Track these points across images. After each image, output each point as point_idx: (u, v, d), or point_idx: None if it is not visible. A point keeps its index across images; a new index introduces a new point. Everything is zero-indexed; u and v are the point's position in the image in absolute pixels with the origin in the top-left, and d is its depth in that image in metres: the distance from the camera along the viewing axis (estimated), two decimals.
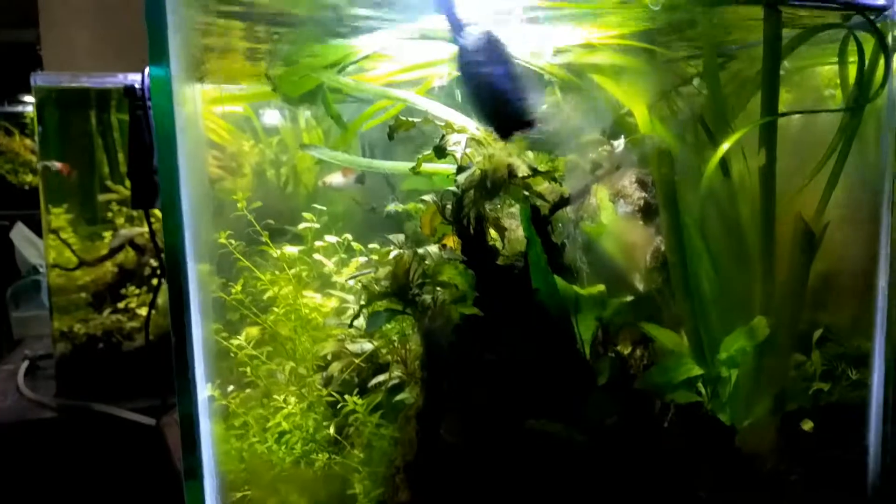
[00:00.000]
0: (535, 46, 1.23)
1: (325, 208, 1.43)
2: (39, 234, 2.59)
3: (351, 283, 1.31)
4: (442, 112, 1.16)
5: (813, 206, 1.21)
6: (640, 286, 1.18)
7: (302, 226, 1.38)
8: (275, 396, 1.18)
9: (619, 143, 1.13)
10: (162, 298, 2.08)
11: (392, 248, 1.14)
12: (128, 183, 2.14)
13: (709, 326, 1.20)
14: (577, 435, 1.06)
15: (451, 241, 1.14)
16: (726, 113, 1.21)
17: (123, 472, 1.96)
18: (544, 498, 1.05)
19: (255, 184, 1.80)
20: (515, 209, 1.13)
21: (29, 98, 2.61)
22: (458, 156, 1.09)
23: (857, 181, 1.25)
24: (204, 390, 1.01)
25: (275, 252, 1.28)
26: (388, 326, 1.19)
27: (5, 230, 3.11)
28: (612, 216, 1.19)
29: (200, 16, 1.09)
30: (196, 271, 0.99)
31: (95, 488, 1.99)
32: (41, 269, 2.89)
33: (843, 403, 1.27)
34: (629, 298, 1.14)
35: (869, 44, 1.18)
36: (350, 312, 1.28)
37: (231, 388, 1.18)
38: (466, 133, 1.10)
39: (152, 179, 1.76)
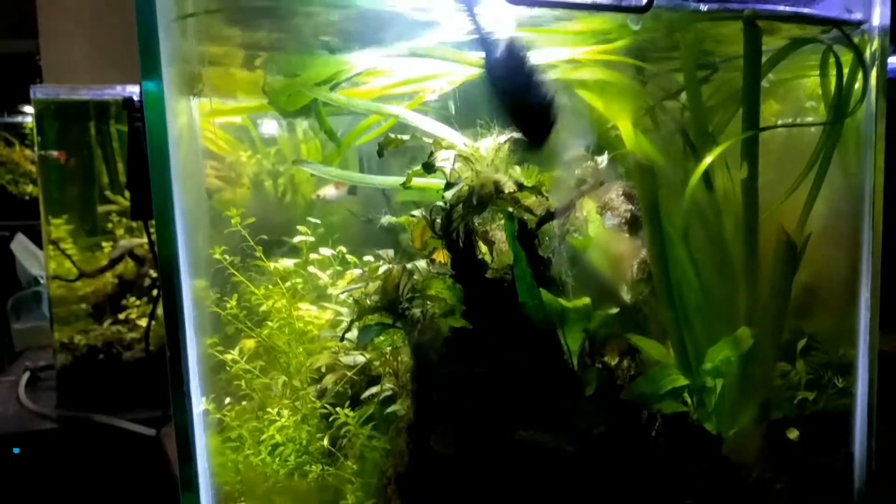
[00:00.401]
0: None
1: (319, 221, 1.45)
2: (40, 244, 2.60)
3: (343, 296, 1.32)
4: (432, 127, 1.17)
5: (795, 218, 1.23)
6: (627, 298, 1.20)
7: (297, 238, 1.40)
8: (269, 409, 1.19)
9: (603, 159, 1.15)
10: (161, 309, 2.08)
11: (381, 262, 1.16)
12: (127, 194, 2.16)
13: (694, 337, 1.21)
14: (566, 445, 1.07)
15: (441, 256, 1.16)
16: (708, 127, 1.23)
17: (124, 483, 1.97)
18: None
19: (252, 194, 1.81)
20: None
21: (29, 109, 2.62)
22: (448, 171, 1.11)
23: (840, 193, 1.27)
24: (199, 404, 1.03)
25: (269, 266, 1.30)
26: (381, 339, 1.20)
27: (6, 241, 3.11)
28: (599, 228, 1.21)
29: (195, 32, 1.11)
30: (191, 285, 1.01)
31: (96, 499, 2.00)
32: (42, 281, 2.89)
33: (829, 411, 1.29)
34: (615, 310, 1.15)
35: (848, 57, 1.20)
36: (344, 325, 1.29)
37: (227, 400, 1.20)
38: (455, 150, 1.12)
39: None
